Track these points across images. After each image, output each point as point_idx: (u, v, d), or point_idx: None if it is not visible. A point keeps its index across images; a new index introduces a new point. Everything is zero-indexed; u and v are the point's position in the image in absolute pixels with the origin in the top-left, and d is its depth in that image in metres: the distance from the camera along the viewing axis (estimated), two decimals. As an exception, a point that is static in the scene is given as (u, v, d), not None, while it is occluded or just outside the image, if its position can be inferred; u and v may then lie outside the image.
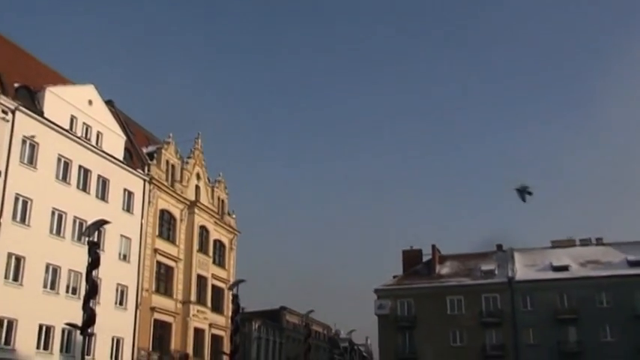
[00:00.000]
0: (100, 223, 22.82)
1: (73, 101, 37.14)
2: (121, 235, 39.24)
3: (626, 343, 54.51)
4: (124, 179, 40.32)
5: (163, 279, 43.73)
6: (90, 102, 38.79)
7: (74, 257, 32.73)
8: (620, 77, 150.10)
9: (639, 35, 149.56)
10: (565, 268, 60.12)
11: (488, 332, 58.32)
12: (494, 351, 57.38)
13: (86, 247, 21.36)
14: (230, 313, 35.60)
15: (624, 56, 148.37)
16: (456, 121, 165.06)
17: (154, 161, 44.44)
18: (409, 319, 60.49)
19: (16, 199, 31.62)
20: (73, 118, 36.88)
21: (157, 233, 43.16)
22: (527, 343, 57.04)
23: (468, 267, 64.31)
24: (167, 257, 44.00)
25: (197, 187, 49.68)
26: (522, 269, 61.57)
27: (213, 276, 49.67)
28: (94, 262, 20.33)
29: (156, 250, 42.63)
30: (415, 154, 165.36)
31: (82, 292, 22.56)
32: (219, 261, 52.12)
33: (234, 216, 55.63)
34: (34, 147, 33.21)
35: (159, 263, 43.13)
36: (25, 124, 32.62)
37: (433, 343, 58.46)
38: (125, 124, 45.49)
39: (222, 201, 54.40)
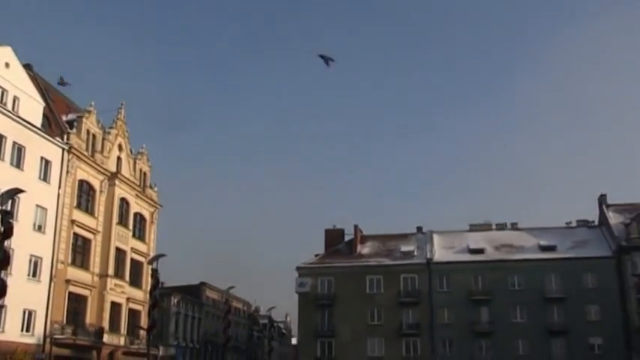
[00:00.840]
0: (14, 192, 21.84)
1: (-12, 63, 35.38)
2: (37, 205, 37.81)
3: (534, 324, 57.03)
4: (41, 147, 38.77)
5: (80, 251, 42.49)
6: (7, 65, 37.02)
7: (-15, 226, 31.26)
8: (538, 69, 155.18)
9: (560, 29, 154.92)
10: (481, 251, 62.12)
11: (405, 311, 59.72)
12: (411, 329, 58.87)
13: (-2, 216, 20.42)
14: (149, 288, 34.99)
15: (542, 49, 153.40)
16: (384, 115, 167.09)
17: (74, 130, 42.88)
18: (329, 297, 61.21)
19: None
20: (-13, 81, 35.16)
21: (74, 204, 41.81)
22: (442, 322, 58.76)
23: (389, 248, 65.50)
24: (85, 229, 42.75)
25: (119, 159, 48.41)
26: (440, 251, 63.20)
27: (133, 249, 48.69)
28: (6, 232, 19.46)
29: (73, 222, 41.32)
30: (345, 140, 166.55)
31: (-7, 263, 21.59)
32: (140, 234, 51.11)
33: (156, 189, 54.59)
34: (-57, 109, 31.50)
35: (76, 235, 41.84)
36: None
37: (351, 321, 59.47)
38: (44, 90, 43.66)
39: (145, 173, 53.25)
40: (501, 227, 67.21)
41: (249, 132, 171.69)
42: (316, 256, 66.02)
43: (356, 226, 67.22)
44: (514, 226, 66.99)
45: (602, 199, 65.97)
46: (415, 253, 63.37)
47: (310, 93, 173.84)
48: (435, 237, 65.73)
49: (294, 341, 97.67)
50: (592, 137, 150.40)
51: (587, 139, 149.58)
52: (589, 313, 57.18)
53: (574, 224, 66.17)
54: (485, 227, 67.05)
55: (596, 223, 65.53)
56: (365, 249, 65.95)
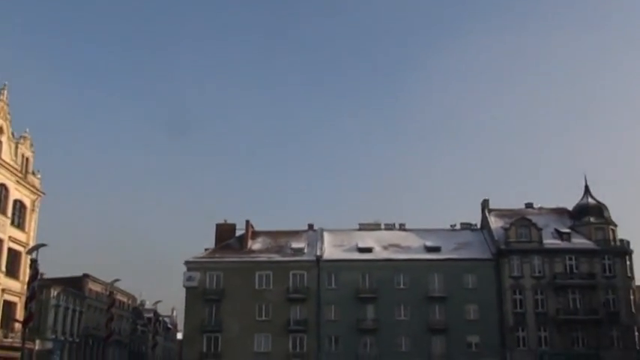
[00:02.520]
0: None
1: None
2: None
3: (417, 322, 58.90)
4: None
5: (-49, 238, 39.81)
6: None
7: None
8: (424, 76, 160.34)
9: (440, 42, 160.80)
10: (369, 250, 63.41)
11: (294, 308, 60.05)
12: (298, 326, 59.25)
13: None
14: (27, 279, 33.29)
15: (427, 58, 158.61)
16: (278, 114, 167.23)
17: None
18: (217, 292, 60.55)
19: None
20: None
21: (-53, 188, 39.13)
22: (329, 319, 59.53)
23: (279, 244, 65.61)
24: (-42, 215, 40.09)
25: (-1, 142, 45.72)
26: (330, 249, 63.98)
27: (11, 238, 46.11)
28: None
29: (-55, 207, 38.65)
30: (240, 137, 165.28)
31: None
32: (19, 223, 48.45)
33: (39, 176, 51.93)
34: None
35: (-53, 221, 39.17)
36: None
37: (239, 316, 59.16)
38: None
39: (27, 159, 50.50)
40: (390, 227, 68.88)
41: (144, 121, 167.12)
42: (206, 250, 65.15)
43: (247, 222, 66.91)
44: (402, 227, 68.81)
45: (484, 203, 69.07)
46: (305, 250, 63.82)
47: (209, 89, 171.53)
48: (326, 235, 66.48)
49: (179, 336, 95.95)
50: (475, 145, 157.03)
51: (471, 146, 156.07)
52: (468, 313, 59.63)
53: (458, 227, 68.79)
54: (374, 227, 68.52)
55: (479, 226, 68.50)
56: (256, 245, 65.74)
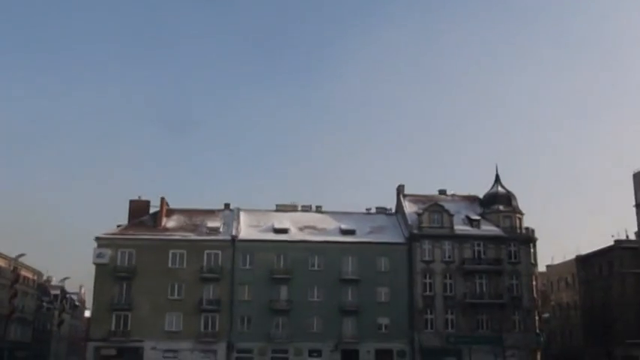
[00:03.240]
0: None
1: None
2: None
3: (330, 303, 59.61)
4: None
5: None
6: None
7: None
8: (340, 67, 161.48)
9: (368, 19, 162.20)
10: (285, 231, 63.54)
11: (207, 287, 59.55)
12: (211, 305, 58.83)
13: None
14: None
15: (342, 50, 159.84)
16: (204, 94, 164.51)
17: None
18: (129, 269, 59.23)
19: None
20: None
21: None
22: (242, 299, 59.39)
23: (195, 222, 64.78)
24: None
25: None
26: (246, 229, 63.72)
27: None
28: None
29: None
30: (157, 114, 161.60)
31: None
32: None
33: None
34: None
35: None
36: None
37: (151, 295, 58.16)
38: None
39: None
40: (306, 209, 69.22)
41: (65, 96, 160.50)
42: (119, 227, 63.53)
43: (162, 199, 65.59)
44: (318, 209, 69.28)
45: (400, 189, 70.43)
46: (221, 230, 63.29)
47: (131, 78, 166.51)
48: (242, 215, 66.11)
49: (87, 314, 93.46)
50: (393, 132, 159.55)
51: (390, 133, 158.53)
52: (379, 295, 60.79)
53: (374, 211, 69.89)
54: (291, 208, 68.68)
55: (394, 211, 69.81)
56: (170, 222, 64.65)
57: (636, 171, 63.46)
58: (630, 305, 61.97)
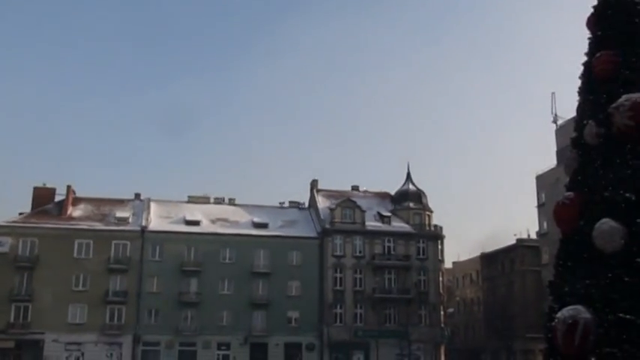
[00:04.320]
0: None
1: None
2: None
3: (240, 296, 59.35)
4: None
5: None
6: None
7: None
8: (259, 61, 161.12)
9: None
10: (197, 223, 62.74)
11: (114, 278, 58.14)
12: (117, 297, 57.46)
13: None
14: None
15: (255, 43, 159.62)
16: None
17: None
18: (30, 259, 56.93)
19: None
20: None
21: None
22: (150, 291, 58.29)
23: (103, 212, 62.99)
24: None
25: None
26: (157, 220, 62.50)
27: None
28: None
29: None
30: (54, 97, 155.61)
31: None
32: None
33: None
34: None
35: None
36: None
37: (54, 286, 56.06)
38: None
39: None
40: (219, 202, 68.59)
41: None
42: (21, 215, 60.95)
43: (69, 187, 63.36)
44: (231, 202, 68.78)
45: (313, 183, 70.87)
46: (130, 220, 61.80)
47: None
48: (153, 205, 64.78)
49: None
50: (307, 126, 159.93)
51: (302, 128, 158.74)
52: (290, 289, 61.07)
53: (287, 205, 70.04)
54: (203, 200, 67.87)
55: (307, 205, 70.20)
56: (77, 211, 62.58)
57: (539, 173, 66.28)
58: (530, 301, 64.76)
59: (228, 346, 58.57)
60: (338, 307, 61.56)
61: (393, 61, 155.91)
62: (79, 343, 55.76)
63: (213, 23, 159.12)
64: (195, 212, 64.51)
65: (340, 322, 61.18)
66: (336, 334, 60.27)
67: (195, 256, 60.01)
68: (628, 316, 11.26)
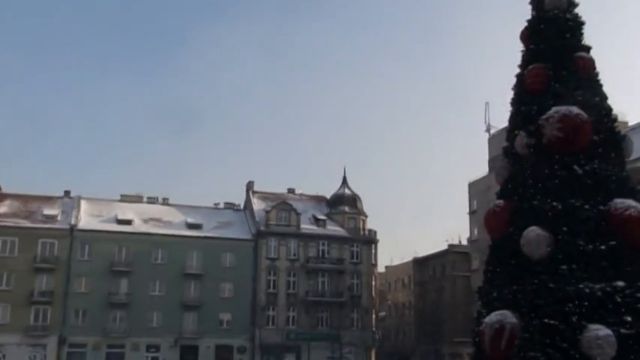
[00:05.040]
0: None
1: None
2: None
3: (172, 298, 58.38)
4: None
5: None
6: None
7: None
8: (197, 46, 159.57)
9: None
10: (129, 222, 61.44)
11: (40, 278, 56.28)
12: (43, 297, 55.60)
13: None
14: None
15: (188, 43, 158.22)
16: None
17: None
18: (-50, 256, 54.63)
19: None
20: None
21: None
22: (78, 291, 56.65)
23: (30, 209, 60.91)
24: None
25: None
26: (87, 218, 60.91)
27: None
28: None
29: None
30: None
31: None
32: None
33: None
34: None
35: None
36: None
37: (-25, 285, 53.99)
38: None
39: None
40: (152, 201, 67.35)
41: None
42: (-59, 210, 58.36)
43: (-5, 183, 61.14)
44: (165, 202, 67.67)
45: (249, 185, 70.47)
46: (59, 218, 59.98)
47: None
48: (83, 203, 63.09)
49: None
50: (244, 128, 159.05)
51: (239, 129, 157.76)
52: (223, 290, 60.45)
53: (222, 206, 69.44)
54: (136, 199, 66.52)
55: (242, 207, 69.76)
56: (2, 208, 60.31)
57: (471, 181, 67.79)
58: (459, 306, 66.12)
59: (157, 348, 57.55)
60: (271, 309, 61.39)
61: (329, 65, 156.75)
62: (0, 345, 53.73)
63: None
64: (127, 211, 63.15)
65: (273, 324, 61.01)
66: (268, 336, 60.06)
67: (126, 256, 58.73)
68: (552, 322, 11.64)
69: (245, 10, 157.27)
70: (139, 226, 61.45)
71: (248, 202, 69.02)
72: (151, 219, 63.27)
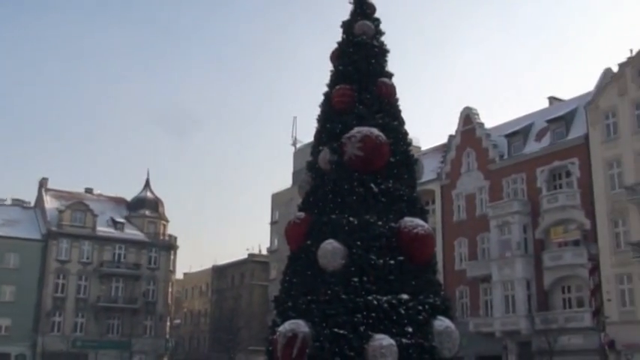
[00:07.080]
0: None
1: None
2: None
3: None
4: None
5: None
6: None
7: None
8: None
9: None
10: None
11: None
12: None
13: None
14: None
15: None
16: None
17: None
18: None
19: None
20: None
21: None
22: None
23: None
24: None
25: None
26: None
27: None
28: None
29: None
30: None
31: None
32: None
33: None
34: None
35: None
36: None
37: None
38: None
39: None
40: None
41: None
42: None
43: None
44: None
45: (43, 182, 66.00)
46: None
47: None
48: None
49: None
50: (38, 122, 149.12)
51: (34, 123, 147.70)
52: (4, 294, 56.37)
53: (9, 202, 64.37)
54: None
55: (33, 204, 65.13)
56: None
57: (275, 192, 69.12)
58: (256, 315, 66.88)
59: None
60: (57, 315, 57.91)
61: (118, 61, 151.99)
62: None
63: None
64: None
65: (58, 331, 57.53)
66: (52, 343, 56.37)
67: None
68: (341, 331, 12.17)
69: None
70: None
71: (40, 199, 64.55)
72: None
